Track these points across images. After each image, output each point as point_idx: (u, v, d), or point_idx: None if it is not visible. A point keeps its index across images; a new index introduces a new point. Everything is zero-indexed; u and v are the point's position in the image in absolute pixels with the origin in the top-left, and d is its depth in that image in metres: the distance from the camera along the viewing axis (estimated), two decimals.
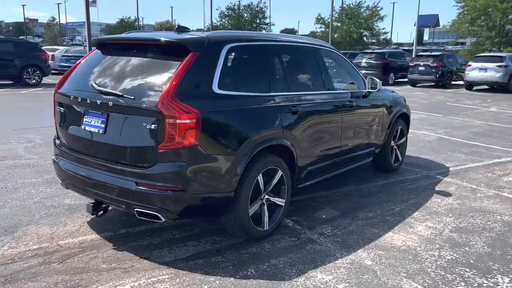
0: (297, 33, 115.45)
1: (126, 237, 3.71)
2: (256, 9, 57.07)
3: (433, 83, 20.42)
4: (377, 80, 5.09)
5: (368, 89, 5.07)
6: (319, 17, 47.75)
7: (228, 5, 59.84)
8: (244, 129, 3.41)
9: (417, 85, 20.94)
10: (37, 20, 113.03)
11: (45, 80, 17.64)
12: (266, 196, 3.72)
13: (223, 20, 57.95)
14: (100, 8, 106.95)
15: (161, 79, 3.15)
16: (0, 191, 4.73)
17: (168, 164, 3.06)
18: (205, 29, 60.01)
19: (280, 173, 3.77)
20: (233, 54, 3.55)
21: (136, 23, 73.31)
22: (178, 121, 2.99)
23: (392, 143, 5.79)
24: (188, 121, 3.02)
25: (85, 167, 3.44)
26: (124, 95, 3.16)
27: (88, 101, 3.37)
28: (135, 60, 3.44)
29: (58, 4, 71.59)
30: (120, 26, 67.84)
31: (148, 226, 3.91)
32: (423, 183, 5.49)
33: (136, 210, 3.19)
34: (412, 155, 6.93)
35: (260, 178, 3.57)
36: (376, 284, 3.05)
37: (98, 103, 3.28)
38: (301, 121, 3.99)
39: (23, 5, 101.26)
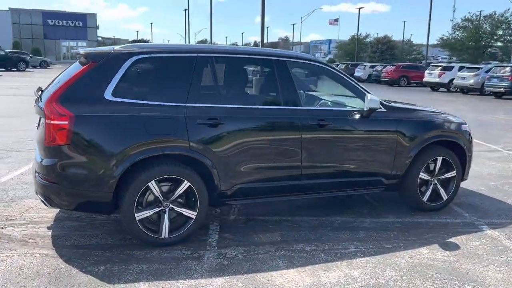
0: None
1: (70, 220, 4.32)
2: (500, 18, 50.26)
3: None
4: (370, 97, 4.28)
5: (366, 108, 4.33)
6: None
7: (465, 16, 54.55)
8: (130, 134, 3.56)
9: None
10: (288, 39, 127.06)
11: None
12: (171, 206, 3.77)
13: (456, 33, 53.11)
14: (341, 26, 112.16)
15: (60, 86, 3.65)
16: None
17: (48, 159, 3.55)
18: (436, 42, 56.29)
19: (186, 184, 3.75)
20: (139, 65, 3.74)
21: (366, 39, 74.15)
22: (52, 121, 3.45)
23: (424, 175, 4.73)
24: (60, 122, 3.43)
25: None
26: (39, 98, 3.80)
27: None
28: (69, 69, 4.03)
29: (293, 24, 78.94)
30: (351, 43, 69.94)
31: (104, 216, 4.40)
32: (443, 230, 4.34)
33: (38, 195, 3.78)
34: (494, 197, 5.44)
35: (153, 185, 3.65)
36: None
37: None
38: (225, 135, 3.84)
39: (267, 27, 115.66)
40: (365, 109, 4.32)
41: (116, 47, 3.81)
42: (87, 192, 3.57)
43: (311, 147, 4.17)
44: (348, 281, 3.28)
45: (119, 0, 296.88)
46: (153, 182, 3.65)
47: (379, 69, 34.01)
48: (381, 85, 31.89)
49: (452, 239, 4.13)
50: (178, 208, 3.80)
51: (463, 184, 5.86)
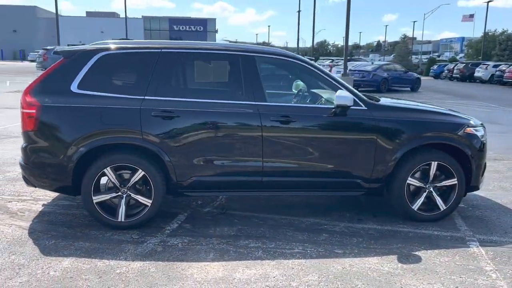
0: None
1: (66, 200, 4.82)
2: None
3: None
4: (339, 93, 4.00)
5: (335, 104, 4.08)
6: None
7: None
8: (86, 124, 3.89)
9: None
10: (415, 38, 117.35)
11: None
12: (128, 192, 4.02)
13: None
14: (478, 22, 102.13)
15: (36, 79, 4.13)
16: None
17: (24, 143, 4.05)
18: None
19: (141, 173, 3.97)
20: (104, 60, 4.02)
21: (501, 36, 67.36)
22: (23, 110, 3.94)
23: (414, 181, 4.29)
24: (29, 111, 3.91)
25: None
26: None
27: None
28: None
29: (414, 22, 74.23)
30: (481, 40, 63.92)
31: None
32: (419, 242, 3.92)
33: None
34: None
35: (109, 171, 3.94)
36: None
37: None
38: (180, 127, 3.97)
39: (386, 25, 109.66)
40: (335, 105, 4.09)
41: (89, 45, 4.18)
42: (51, 174, 3.99)
43: (273, 144, 4.08)
44: (258, 280, 3.19)
45: (247, 5, 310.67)
46: (108, 168, 3.94)
47: (503, 68, 30.45)
48: (505, 86, 28.54)
49: (420, 252, 3.71)
50: (135, 195, 4.03)
51: (492, 196, 5.22)
